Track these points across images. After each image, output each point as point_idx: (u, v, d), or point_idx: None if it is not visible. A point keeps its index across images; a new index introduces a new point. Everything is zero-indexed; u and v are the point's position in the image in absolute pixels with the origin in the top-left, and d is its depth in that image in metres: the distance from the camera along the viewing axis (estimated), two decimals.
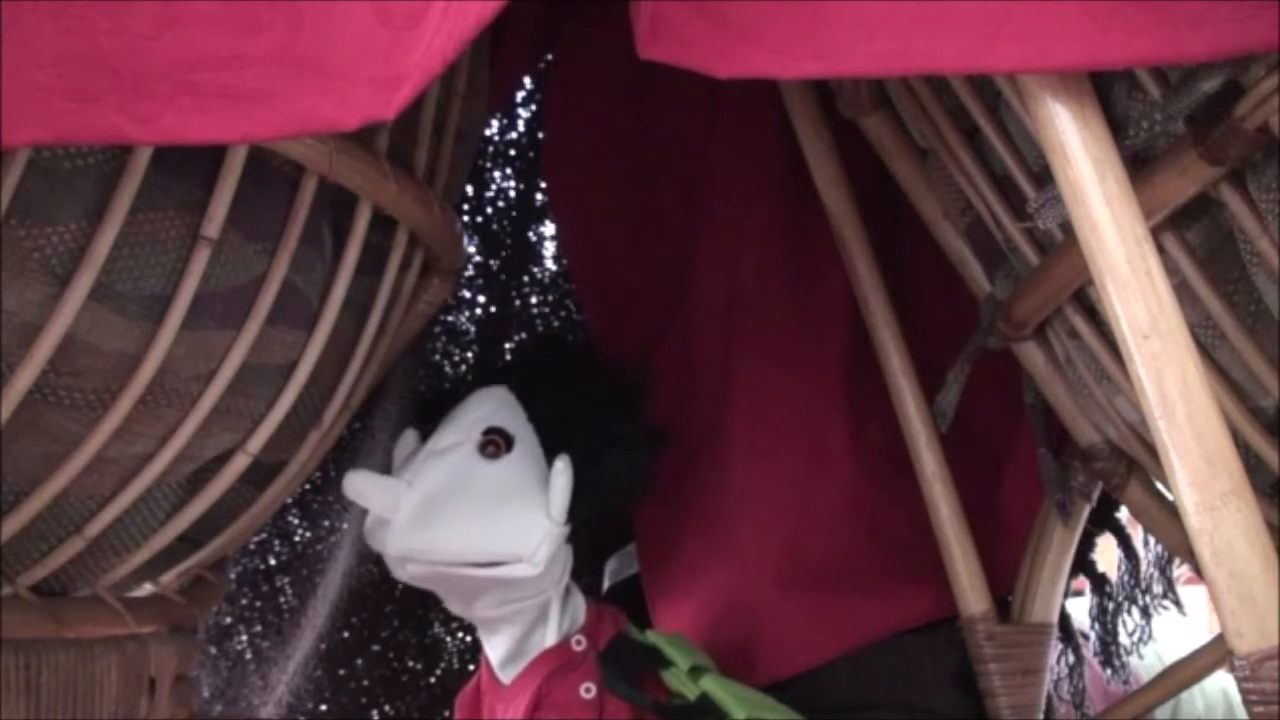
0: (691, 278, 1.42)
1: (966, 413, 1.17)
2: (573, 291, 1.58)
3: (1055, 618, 1.30)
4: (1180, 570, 1.40)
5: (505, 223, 1.57)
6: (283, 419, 0.94)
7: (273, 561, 1.57)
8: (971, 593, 1.25)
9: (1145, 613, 1.39)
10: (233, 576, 1.51)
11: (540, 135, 1.56)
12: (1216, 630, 1.08)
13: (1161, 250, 0.81)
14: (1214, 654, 1.14)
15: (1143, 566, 1.38)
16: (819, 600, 1.33)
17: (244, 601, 1.57)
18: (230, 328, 0.86)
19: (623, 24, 0.73)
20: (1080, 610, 1.43)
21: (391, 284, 1.01)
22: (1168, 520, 1.15)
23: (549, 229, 1.59)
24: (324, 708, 1.56)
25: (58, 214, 0.76)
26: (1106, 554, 1.40)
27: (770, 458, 1.36)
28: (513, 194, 1.58)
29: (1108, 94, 0.80)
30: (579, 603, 1.16)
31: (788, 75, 1.02)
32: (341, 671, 1.56)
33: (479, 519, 1.06)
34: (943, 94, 1.04)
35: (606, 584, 1.49)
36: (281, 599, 1.57)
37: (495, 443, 1.09)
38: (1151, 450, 0.90)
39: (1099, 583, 1.40)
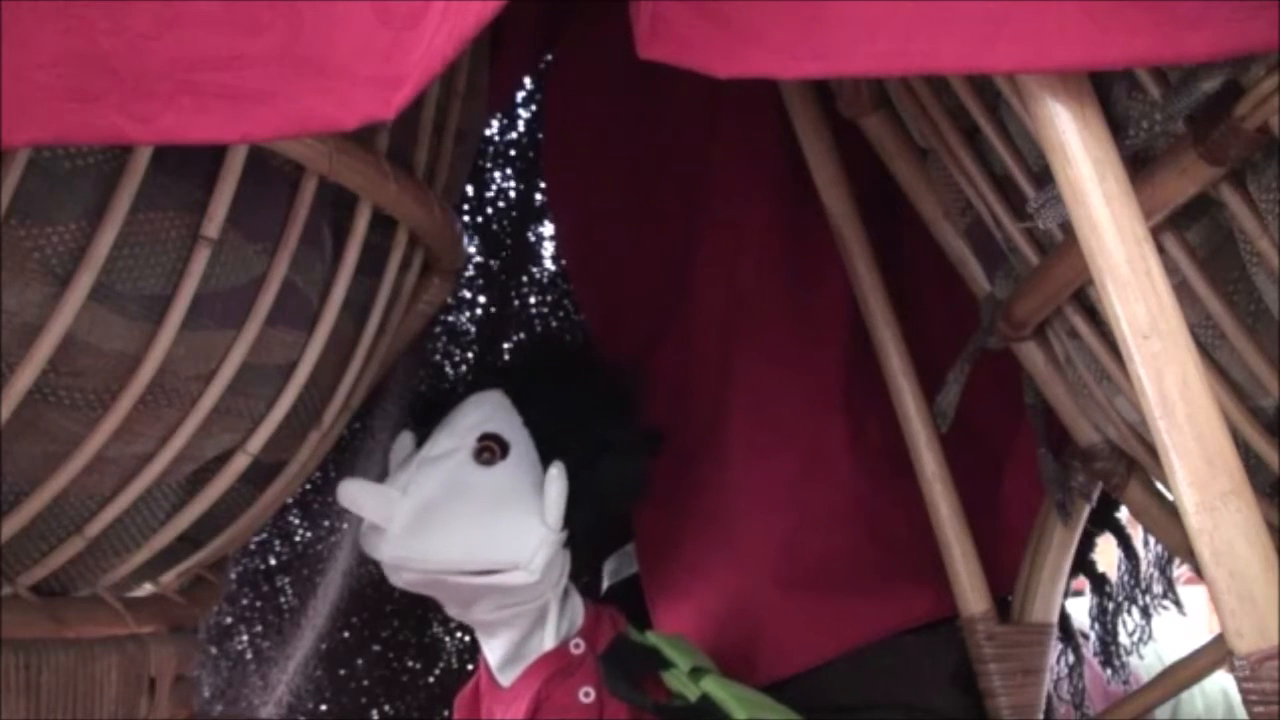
0: (691, 278, 1.42)
1: (966, 413, 1.17)
2: (572, 291, 1.58)
3: (1055, 618, 1.30)
4: (1180, 570, 1.40)
5: (505, 223, 1.58)
6: (283, 419, 0.94)
7: (273, 561, 1.57)
8: (971, 593, 1.25)
9: (1145, 613, 1.39)
10: (233, 576, 1.51)
11: (540, 135, 1.56)
12: (1216, 630, 1.08)
13: (1161, 250, 0.81)
14: (1214, 654, 1.14)
15: (1143, 566, 1.38)
16: (819, 600, 1.33)
17: (245, 601, 1.57)
18: (230, 328, 0.86)
19: (623, 24, 0.73)
20: (1080, 610, 1.43)
21: (391, 284, 1.01)
22: (1168, 520, 1.15)
23: (549, 229, 1.59)
24: (324, 708, 1.56)
25: (58, 214, 0.76)
26: (1106, 554, 1.40)
27: (770, 457, 1.36)
28: (513, 194, 1.58)
29: (1108, 94, 0.80)
30: (577, 605, 1.15)
31: (788, 75, 1.02)
32: (341, 671, 1.56)
33: (474, 527, 1.06)
34: (943, 94, 1.04)
35: (605, 584, 1.49)
36: (282, 599, 1.57)
37: (490, 449, 1.09)
38: (1151, 450, 0.90)
39: (1099, 583, 1.40)
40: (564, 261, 1.58)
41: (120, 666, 0.92)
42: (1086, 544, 1.36)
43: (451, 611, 1.15)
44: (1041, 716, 1.28)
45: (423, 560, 1.06)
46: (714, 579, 1.36)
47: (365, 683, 1.57)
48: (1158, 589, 1.39)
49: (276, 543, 1.56)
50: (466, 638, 1.59)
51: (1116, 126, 0.77)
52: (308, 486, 1.49)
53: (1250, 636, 0.68)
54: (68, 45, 0.65)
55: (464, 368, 1.56)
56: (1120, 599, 1.39)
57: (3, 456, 0.81)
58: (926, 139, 1.15)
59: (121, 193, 0.76)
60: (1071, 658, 1.40)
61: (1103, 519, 1.35)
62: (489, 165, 1.56)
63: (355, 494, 1.05)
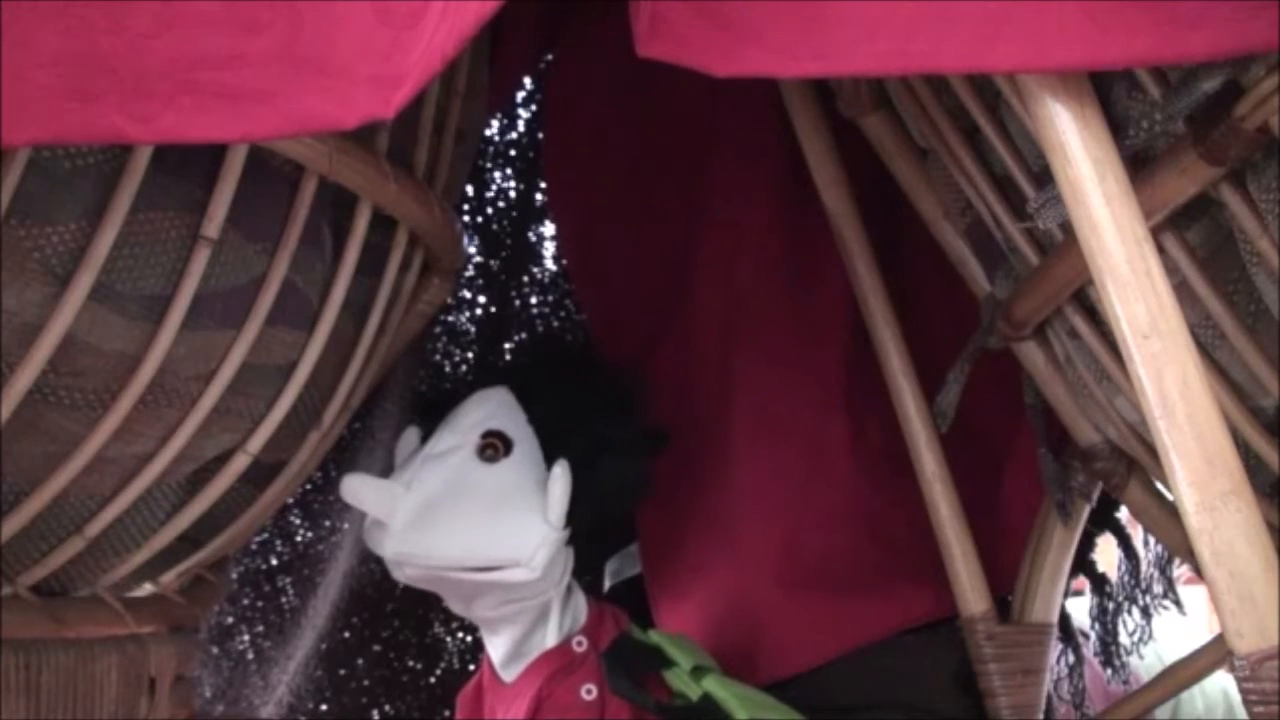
0: (691, 278, 1.42)
1: (966, 413, 1.17)
2: (573, 291, 1.58)
3: (1055, 618, 1.30)
4: (1180, 570, 1.40)
5: (505, 223, 1.58)
6: (283, 419, 0.94)
7: (274, 561, 1.57)
8: (971, 593, 1.25)
9: (1145, 613, 1.39)
10: (234, 576, 1.51)
11: (540, 135, 1.56)
12: (1216, 630, 1.08)
13: (1161, 250, 0.81)
14: (1214, 654, 1.14)
15: (1143, 566, 1.38)
16: (819, 600, 1.33)
17: (246, 601, 1.57)
18: (230, 328, 0.86)
19: (622, 23, 0.73)
20: (1080, 610, 1.43)
21: (391, 284, 1.01)
22: (1168, 520, 1.15)
23: (549, 229, 1.59)
24: (324, 708, 1.56)
25: (58, 214, 0.76)
26: (1106, 554, 1.40)
27: (770, 457, 1.36)
28: (513, 194, 1.58)
29: (1108, 94, 0.80)
30: (580, 603, 1.15)
31: (788, 75, 1.03)
32: (342, 671, 1.56)
33: (476, 523, 1.06)
34: (943, 94, 1.04)
35: (607, 584, 1.49)
36: (283, 599, 1.57)
37: (494, 446, 1.09)
38: (1151, 450, 0.90)
39: (1099, 583, 1.40)
40: (564, 261, 1.58)
41: (120, 666, 0.92)
42: (1086, 544, 1.36)
43: (454, 608, 1.16)
44: (1041, 716, 1.28)
45: (425, 556, 1.06)
46: (715, 579, 1.36)
47: (366, 683, 1.57)
48: (1158, 589, 1.39)
49: (277, 543, 1.56)
50: (468, 638, 1.59)
51: (1116, 126, 0.77)
52: (308, 486, 1.49)
53: (1250, 636, 0.68)
54: (68, 45, 0.65)
55: (464, 368, 1.56)
56: (1120, 599, 1.39)
57: (3, 456, 0.81)
58: (926, 139, 1.15)
59: (121, 193, 0.76)
60: (1071, 658, 1.40)
61: (1103, 519, 1.35)
62: (489, 165, 1.56)
63: (358, 489, 1.05)
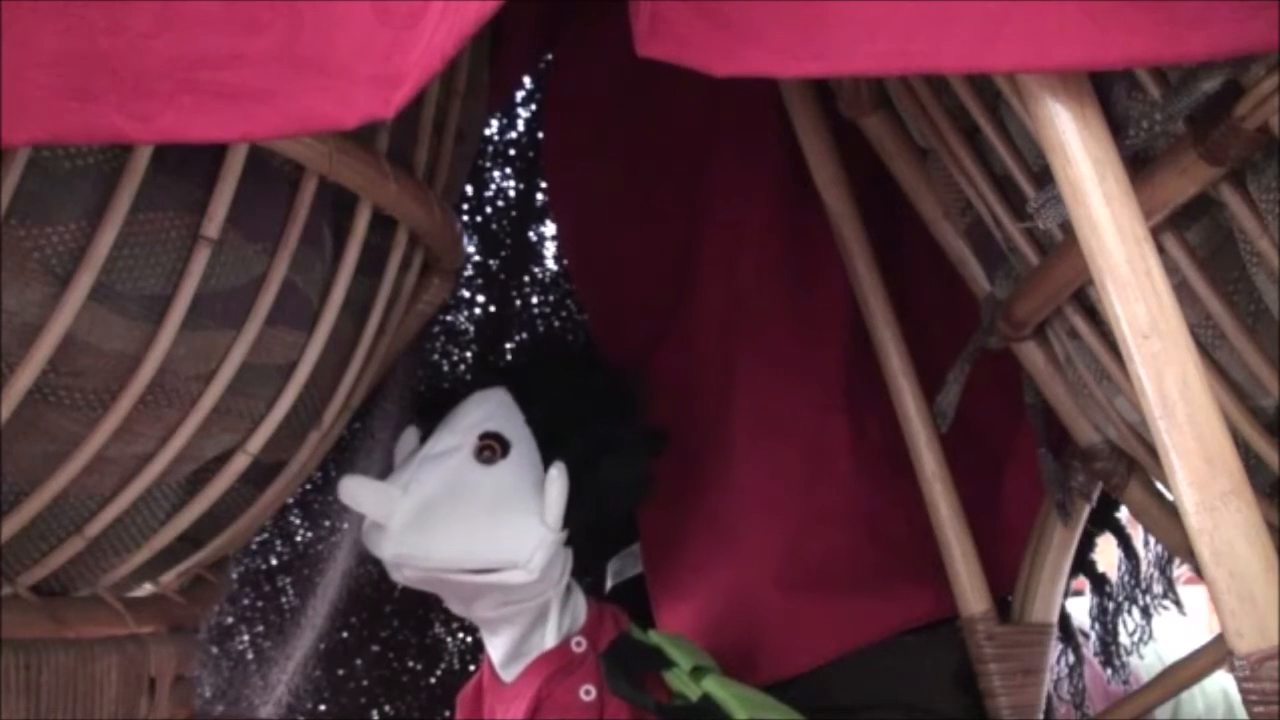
0: (691, 278, 1.42)
1: (966, 413, 1.17)
2: (573, 291, 1.58)
3: (1055, 618, 1.30)
4: (1180, 570, 1.40)
5: (505, 223, 1.58)
6: (283, 419, 0.94)
7: (274, 561, 1.57)
8: (971, 593, 1.25)
9: (1145, 613, 1.39)
10: (234, 576, 1.51)
11: (540, 135, 1.56)
12: (1216, 630, 1.08)
13: (1161, 250, 0.81)
14: (1214, 654, 1.14)
15: (1143, 566, 1.38)
16: (820, 600, 1.33)
17: (245, 601, 1.57)
18: (230, 328, 0.86)
19: (622, 23, 0.73)
20: (1080, 610, 1.43)
21: (391, 284, 1.01)
22: (1168, 520, 1.15)
23: (549, 229, 1.59)
24: (323, 708, 1.56)
25: (58, 214, 0.76)
26: (1106, 554, 1.40)
27: (771, 458, 1.36)
28: (513, 194, 1.58)
29: (1108, 94, 0.80)
30: (580, 603, 1.15)
31: (788, 75, 1.02)
32: (341, 672, 1.56)
33: (474, 525, 1.06)
34: (943, 94, 1.04)
35: (609, 584, 1.49)
36: (283, 599, 1.57)
37: (491, 447, 1.09)
38: (1151, 450, 0.90)
39: (1099, 583, 1.40)
40: (565, 261, 1.58)
41: (120, 666, 0.92)
42: (1086, 544, 1.36)
43: (454, 608, 1.16)
44: (1041, 716, 1.28)
45: (423, 558, 1.06)
46: (716, 579, 1.36)
47: (365, 683, 1.57)
48: (1158, 589, 1.39)
49: (277, 543, 1.56)
50: (469, 638, 1.59)
51: (1116, 126, 0.77)
52: (308, 486, 1.49)
53: (1250, 636, 0.68)
54: (68, 45, 0.65)
55: (463, 368, 1.56)
56: (1120, 599, 1.39)
57: (3, 456, 0.81)
58: (926, 139, 1.15)
59: (121, 193, 0.76)
60: (1071, 658, 1.40)
61: (1103, 519, 1.35)
62: (489, 165, 1.56)
63: (355, 491, 1.05)
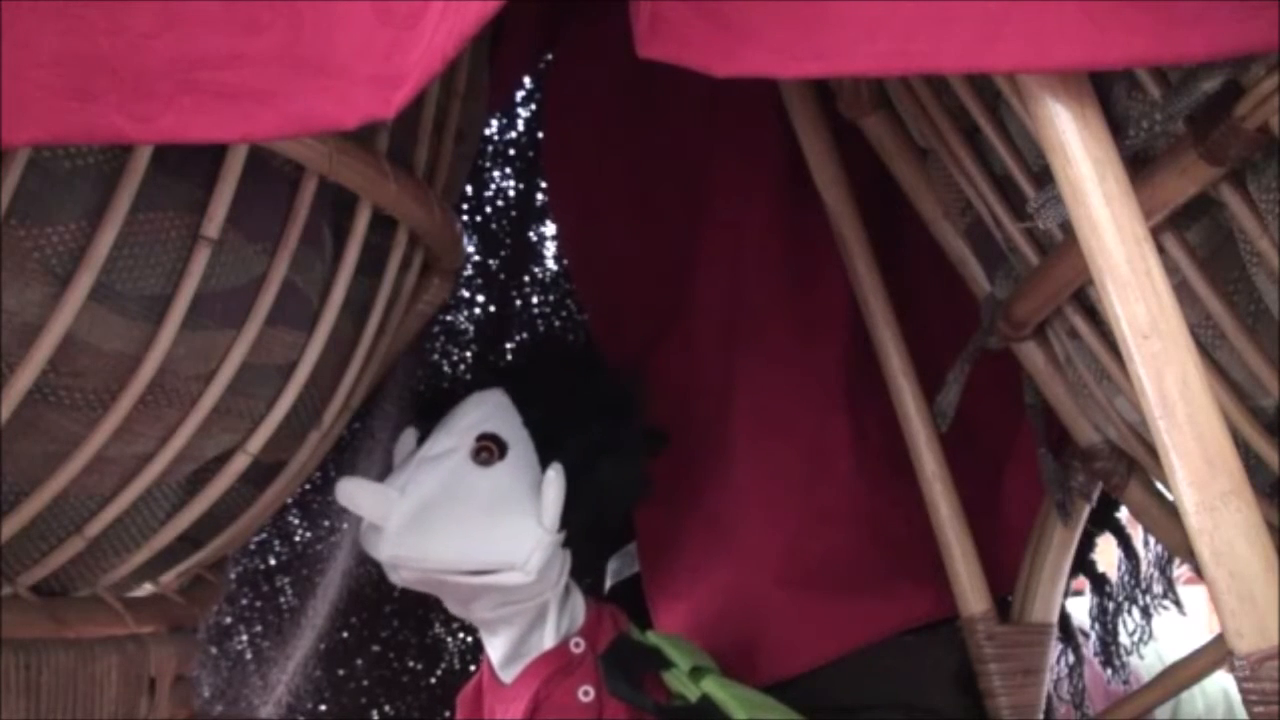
0: (691, 278, 1.42)
1: (966, 413, 1.17)
2: (573, 291, 1.58)
3: (1055, 618, 1.30)
4: (1180, 570, 1.40)
5: (505, 223, 1.58)
6: (283, 419, 0.94)
7: (273, 561, 1.57)
8: (971, 593, 1.25)
9: (1145, 613, 1.39)
10: (233, 576, 1.51)
11: (540, 135, 1.56)
12: (1216, 630, 1.08)
13: (1161, 250, 0.81)
14: (1214, 654, 1.14)
15: (1143, 566, 1.38)
16: (820, 600, 1.33)
17: (244, 601, 1.57)
18: (230, 328, 0.86)
19: (622, 24, 0.73)
20: (1080, 610, 1.43)
21: (391, 284, 1.01)
22: (1168, 520, 1.15)
23: (549, 229, 1.59)
24: (324, 708, 1.56)
25: (58, 214, 0.76)
26: (1106, 554, 1.40)
27: (771, 458, 1.36)
28: (513, 194, 1.58)
29: (1108, 94, 0.80)
30: (578, 603, 1.15)
31: (788, 75, 1.02)
32: (341, 671, 1.56)
33: (471, 527, 1.06)
34: (943, 94, 1.04)
35: (608, 584, 1.49)
36: (282, 599, 1.57)
37: (489, 449, 1.09)
38: (1151, 450, 0.90)
39: (1099, 583, 1.40)
40: (565, 261, 1.58)
41: (120, 666, 0.92)
42: (1086, 544, 1.36)
43: (452, 609, 1.16)
44: (1041, 716, 1.28)
45: (420, 560, 1.06)
46: (715, 579, 1.36)
47: (365, 683, 1.57)
48: (1158, 589, 1.39)
49: (276, 543, 1.56)
50: (469, 638, 1.59)
51: (1116, 126, 0.77)
52: (308, 486, 1.49)
53: (1250, 636, 0.68)
54: (68, 45, 0.65)
55: (462, 367, 1.56)
56: (1120, 599, 1.39)
57: (3, 456, 0.81)
58: (926, 139, 1.15)
59: (121, 193, 0.76)
60: (1071, 658, 1.40)
61: (1103, 519, 1.35)
62: (489, 165, 1.56)
63: (353, 493, 1.05)
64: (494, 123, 1.55)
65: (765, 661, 1.31)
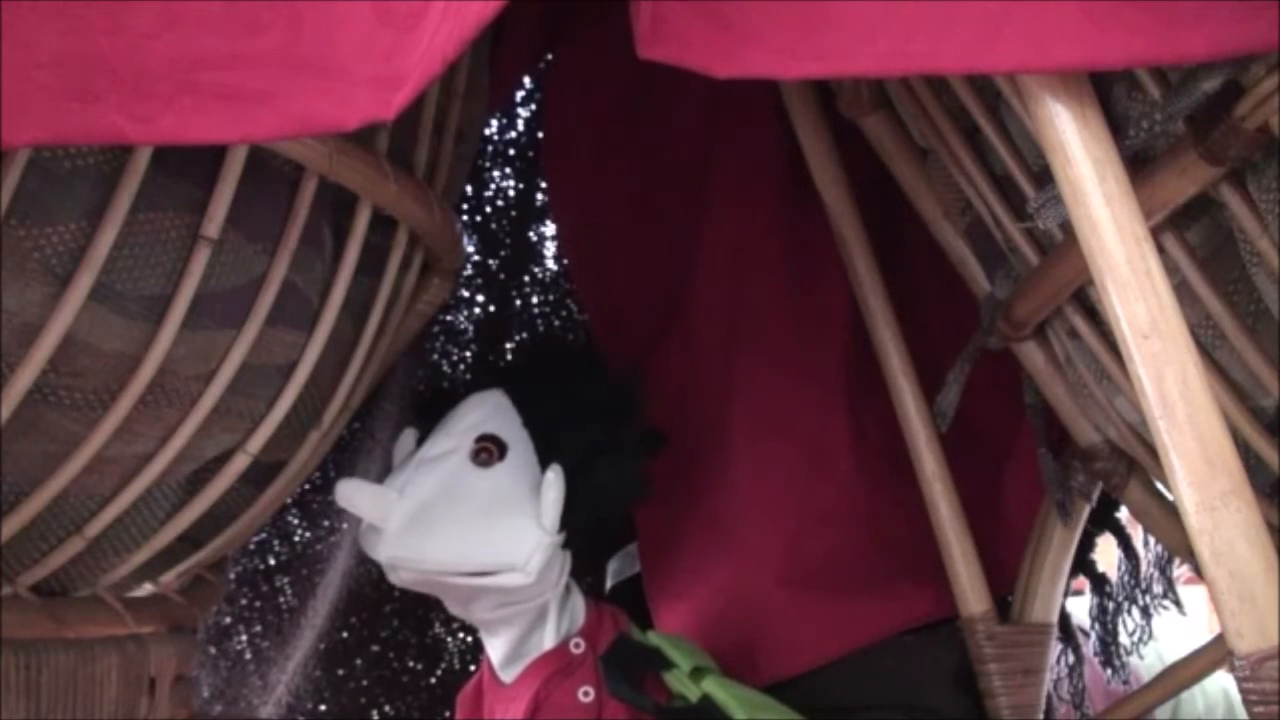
0: (691, 278, 1.42)
1: (966, 413, 1.17)
2: (573, 291, 1.58)
3: (1055, 618, 1.30)
4: (1180, 570, 1.40)
5: (505, 222, 1.58)
6: (283, 419, 0.94)
7: (272, 561, 1.57)
8: (971, 593, 1.25)
9: (1145, 613, 1.39)
10: (232, 577, 1.51)
11: (540, 135, 1.56)
12: (1216, 630, 1.08)
13: (1161, 250, 0.81)
14: (1214, 654, 1.14)
15: (1143, 566, 1.38)
16: (820, 600, 1.33)
17: (244, 602, 1.57)
18: (230, 328, 0.86)
19: (623, 24, 0.72)
20: (1080, 610, 1.43)
21: (391, 284, 1.01)
22: (1168, 520, 1.15)
23: (549, 229, 1.59)
24: (324, 708, 1.56)
25: (58, 214, 0.76)
26: (1106, 554, 1.40)
27: (771, 458, 1.36)
28: (513, 194, 1.58)
29: (1108, 94, 0.80)
30: (579, 604, 1.15)
31: (788, 75, 1.02)
32: (341, 671, 1.56)
33: (470, 529, 1.06)
34: (943, 94, 1.04)
35: (609, 584, 1.49)
36: (281, 599, 1.57)
37: (488, 450, 1.09)
38: (1151, 450, 0.90)
39: (1099, 583, 1.40)
40: (565, 261, 1.58)
41: (120, 666, 0.92)
42: (1086, 544, 1.36)
43: (452, 609, 1.16)
44: (1041, 716, 1.28)
45: (419, 561, 1.06)
46: (715, 579, 1.36)
47: (365, 683, 1.57)
48: (1158, 589, 1.39)
49: (276, 543, 1.56)
50: (469, 638, 1.59)
51: (1116, 126, 0.77)
52: (308, 486, 1.49)
53: (1250, 636, 0.68)
54: (68, 45, 0.65)
55: (462, 367, 1.56)
56: (1120, 599, 1.39)
57: (3, 456, 0.81)
58: (926, 139, 1.15)
59: (121, 193, 0.76)
60: (1071, 658, 1.40)
61: (1103, 519, 1.35)
62: (489, 165, 1.56)
63: (352, 494, 1.05)
64: (494, 123, 1.55)
65: (766, 661, 1.31)
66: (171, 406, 0.86)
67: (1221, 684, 1.72)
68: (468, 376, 1.55)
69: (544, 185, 1.57)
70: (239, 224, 0.83)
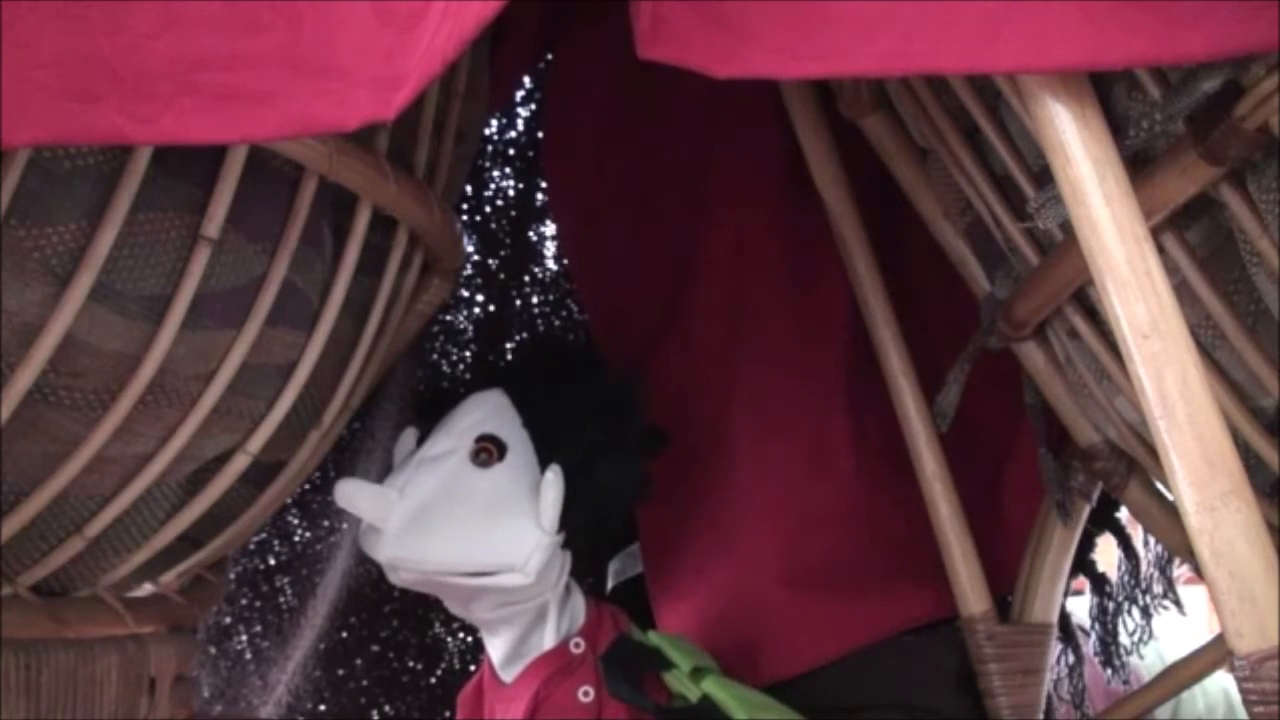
0: (691, 278, 1.42)
1: (966, 413, 1.17)
2: (573, 291, 1.58)
3: (1055, 618, 1.30)
4: (1180, 570, 1.40)
5: (505, 222, 1.58)
6: (283, 419, 0.94)
7: (272, 561, 1.57)
8: (971, 593, 1.25)
9: (1145, 613, 1.39)
10: (232, 576, 1.51)
11: (540, 135, 1.56)
12: (1216, 630, 1.08)
13: (1161, 250, 0.81)
14: (1214, 654, 1.14)
15: (1143, 566, 1.38)
16: (821, 601, 1.33)
17: (244, 601, 1.57)
18: (230, 328, 0.86)
19: (623, 24, 0.73)
20: (1080, 610, 1.43)
21: (391, 284, 1.01)
22: (1168, 520, 1.15)
23: (549, 229, 1.59)
24: (324, 708, 1.56)
25: (58, 214, 0.76)
26: (1106, 554, 1.40)
27: (771, 458, 1.36)
28: (512, 194, 1.58)
29: (1108, 94, 0.80)
30: (579, 604, 1.15)
31: (788, 75, 1.02)
32: (341, 671, 1.56)
33: (469, 529, 1.06)
34: (943, 94, 1.04)
35: (610, 584, 1.49)
36: (281, 599, 1.57)
37: (488, 450, 1.09)
38: (1151, 450, 0.90)
39: (1099, 583, 1.40)
40: (565, 261, 1.58)
41: (120, 666, 0.92)
42: (1086, 544, 1.36)
43: (452, 609, 1.16)
44: (1041, 716, 1.28)
45: (419, 561, 1.06)
46: (716, 579, 1.36)
47: (365, 683, 1.57)
48: (1158, 589, 1.39)
49: (276, 543, 1.56)
50: (469, 638, 1.59)
51: (1116, 126, 0.77)
52: (308, 486, 1.49)
53: (1250, 636, 0.68)
54: (68, 45, 0.65)
55: (462, 367, 1.56)
56: (1120, 599, 1.39)
57: (3, 456, 0.81)
58: (926, 139, 1.15)
59: (121, 193, 0.76)
60: (1071, 658, 1.40)
61: (1103, 519, 1.35)
62: (489, 165, 1.56)
63: (352, 494, 1.05)
64: (494, 123, 1.55)
65: (766, 661, 1.31)
66: (171, 406, 0.86)
67: (1221, 684, 1.72)
68: (467, 376, 1.55)
69: (544, 185, 1.57)
70: (239, 224, 0.83)
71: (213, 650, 1.56)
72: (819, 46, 0.70)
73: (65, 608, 0.91)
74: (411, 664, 1.59)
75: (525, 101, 1.58)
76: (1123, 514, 1.37)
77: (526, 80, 1.56)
